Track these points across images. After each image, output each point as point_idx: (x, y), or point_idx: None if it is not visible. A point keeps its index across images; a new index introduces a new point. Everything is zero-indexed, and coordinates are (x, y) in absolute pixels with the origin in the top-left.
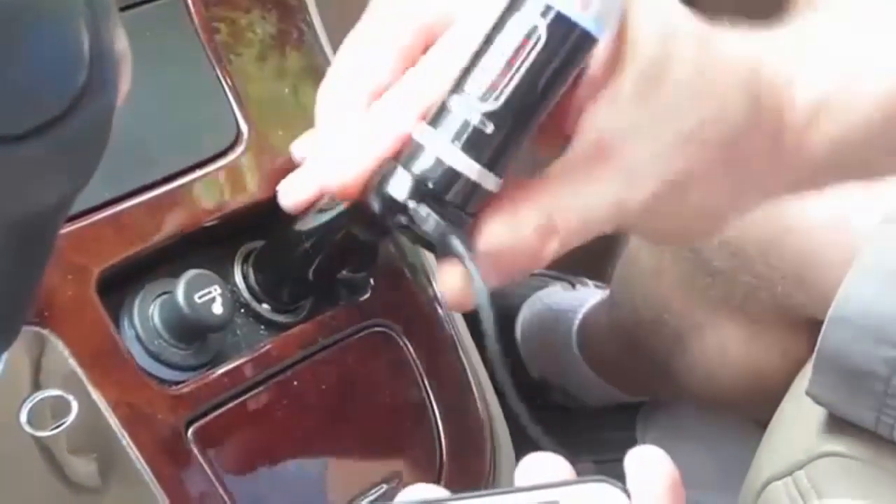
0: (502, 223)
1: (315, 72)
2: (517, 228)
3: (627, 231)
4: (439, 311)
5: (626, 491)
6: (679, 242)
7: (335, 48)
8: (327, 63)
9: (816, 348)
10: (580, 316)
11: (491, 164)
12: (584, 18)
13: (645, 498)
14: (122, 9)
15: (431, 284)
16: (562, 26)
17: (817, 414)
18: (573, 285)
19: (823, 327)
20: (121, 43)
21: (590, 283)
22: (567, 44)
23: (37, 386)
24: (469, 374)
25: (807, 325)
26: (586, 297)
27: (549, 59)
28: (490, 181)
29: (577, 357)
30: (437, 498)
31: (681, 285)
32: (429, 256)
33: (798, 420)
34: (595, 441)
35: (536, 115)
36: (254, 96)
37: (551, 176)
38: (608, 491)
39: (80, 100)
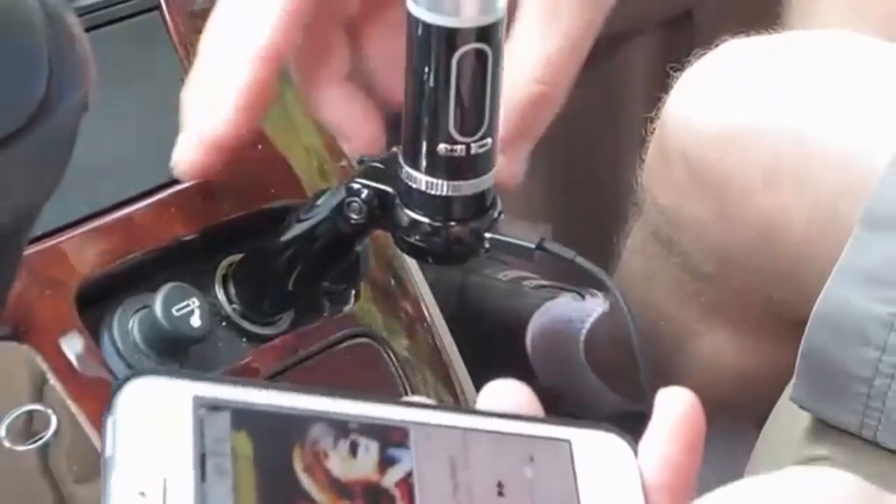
0: None
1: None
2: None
3: None
4: (423, 320)
5: (634, 448)
6: None
7: None
8: None
9: (800, 350)
10: (588, 325)
11: None
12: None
13: (654, 439)
14: (100, 25)
15: (415, 291)
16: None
17: (805, 418)
18: (582, 296)
19: (806, 330)
20: (83, 51)
21: (598, 294)
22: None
23: (15, 401)
24: (454, 384)
25: (798, 328)
26: (594, 306)
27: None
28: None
29: (584, 366)
30: (445, 407)
31: (672, 291)
32: (412, 265)
33: (788, 425)
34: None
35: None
36: None
37: None
38: (617, 442)
39: (41, 111)
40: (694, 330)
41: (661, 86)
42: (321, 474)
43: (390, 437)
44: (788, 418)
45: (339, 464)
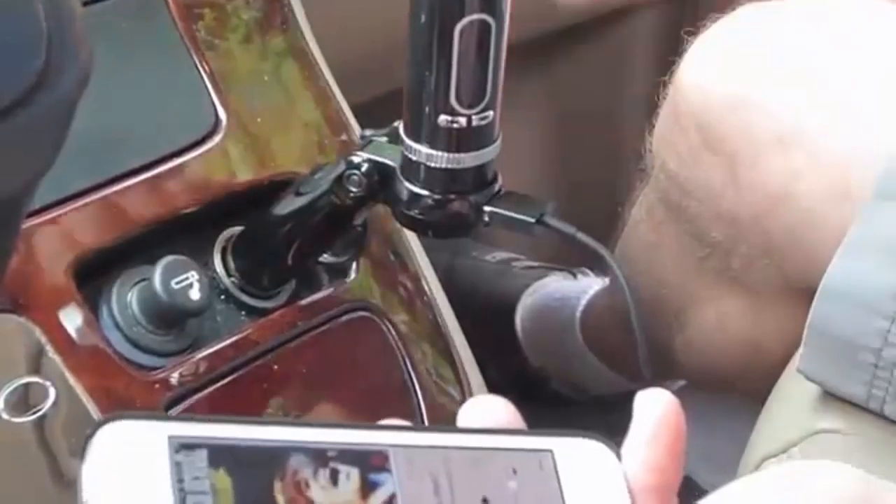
0: None
1: (297, 52)
2: None
3: None
4: (423, 294)
5: (617, 452)
6: None
7: (315, 31)
8: (308, 45)
9: (808, 320)
10: (583, 303)
11: None
12: None
13: (636, 443)
14: None
15: (415, 267)
16: None
17: (812, 390)
18: (574, 275)
19: (814, 300)
20: (81, 25)
21: (590, 273)
22: None
23: (13, 373)
24: (454, 357)
25: (806, 297)
26: (588, 285)
27: None
28: None
29: (580, 344)
30: (423, 428)
31: (678, 258)
32: (413, 241)
33: (794, 397)
34: (601, 429)
35: None
36: (235, 82)
37: None
38: (599, 448)
39: (40, 84)
40: (699, 299)
41: (673, 52)
42: None
43: (370, 462)
44: (794, 390)
45: (320, 493)
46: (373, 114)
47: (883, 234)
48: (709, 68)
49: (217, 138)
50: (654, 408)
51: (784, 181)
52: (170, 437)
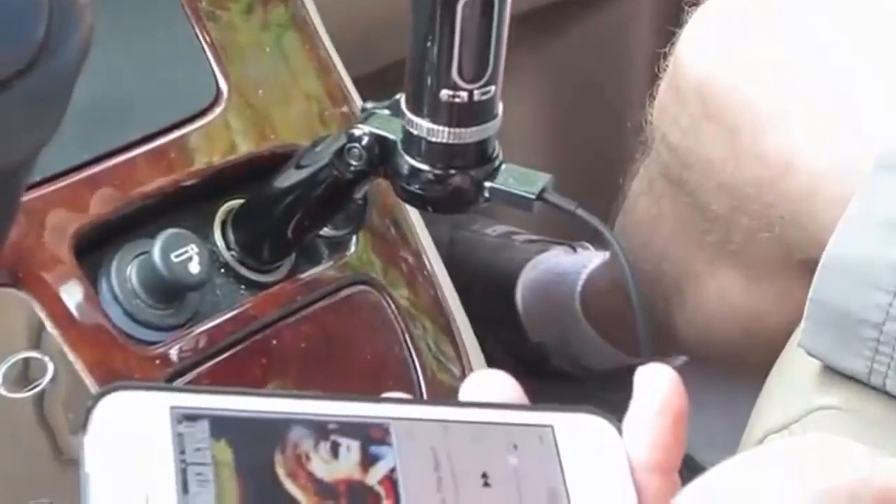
0: None
1: (298, 23)
2: None
3: None
4: (424, 269)
5: (618, 428)
6: None
7: (317, 1)
8: (309, 15)
9: (809, 295)
10: (583, 277)
11: None
12: None
13: (638, 418)
14: None
15: (416, 242)
16: None
17: (813, 366)
18: (574, 249)
19: (816, 274)
20: None
21: (590, 246)
22: None
23: (12, 347)
24: (454, 333)
25: (807, 271)
26: (588, 258)
27: None
28: None
29: (580, 318)
30: (424, 402)
31: (679, 231)
32: (413, 216)
33: (795, 372)
34: (600, 405)
35: None
36: (237, 54)
37: None
38: (601, 424)
39: (42, 52)
40: (700, 272)
41: (673, 23)
42: (304, 477)
43: (371, 435)
44: (795, 366)
45: (321, 465)
46: (374, 85)
47: (883, 207)
48: (709, 40)
49: (218, 110)
50: (656, 384)
51: (785, 154)
52: (171, 408)
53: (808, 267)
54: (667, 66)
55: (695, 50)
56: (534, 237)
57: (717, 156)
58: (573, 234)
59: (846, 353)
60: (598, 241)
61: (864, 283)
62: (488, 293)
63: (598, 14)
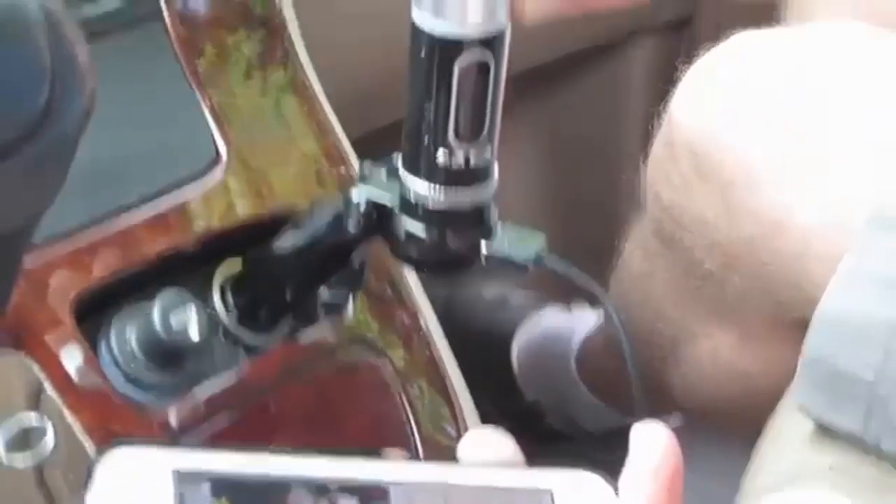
0: None
1: (297, 86)
2: None
3: None
4: (420, 329)
5: (615, 487)
6: None
7: (315, 64)
8: (308, 78)
9: (802, 353)
10: (579, 337)
11: None
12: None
13: (634, 478)
14: (102, 34)
15: (412, 302)
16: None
17: (807, 424)
18: (569, 308)
19: (808, 332)
20: (84, 59)
21: (586, 305)
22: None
23: (12, 410)
24: (449, 392)
25: (799, 330)
26: (584, 318)
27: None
28: None
29: (575, 378)
30: (423, 463)
31: (673, 290)
32: (409, 272)
33: (789, 431)
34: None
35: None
36: (236, 117)
37: None
38: (597, 483)
39: (45, 118)
40: (693, 331)
41: (666, 82)
42: None
43: (371, 497)
44: (789, 424)
45: None
46: (370, 144)
47: (875, 266)
48: (701, 100)
49: (217, 172)
50: (651, 443)
51: (777, 212)
52: (174, 468)
53: (801, 325)
54: (660, 124)
55: (688, 108)
56: (529, 296)
57: (710, 214)
58: (569, 291)
59: (840, 412)
60: (594, 300)
61: (856, 341)
62: (484, 352)
63: (592, 73)
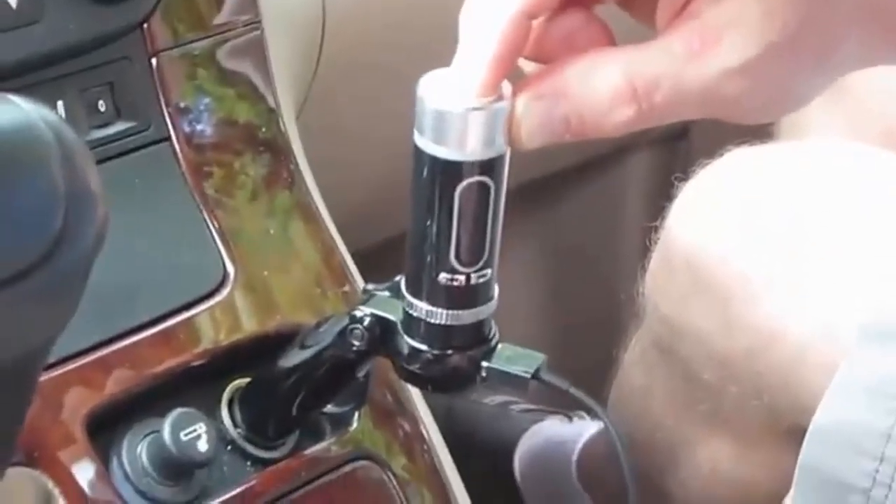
0: (574, 72)
1: (302, 207)
2: (587, 81)
3: (713, 112)
4: (422, 439)
5: None
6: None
7: (321, 187)
8: (313, 201)
9: (798, 462)
10: (579, 446)
11: None
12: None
13: None
14: (112, 157)
15: (413, 411)
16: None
17: None
18: (570, 418)
19: (805, 441)
20: (97, 186)
21: (586, 416)
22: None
23: None
24: (451, 502)
25: (796, 437)
26: (584, 427)
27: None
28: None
29: (577, 487)
30: None
31: (671, 401)
32: (414, 389)
33: None
34: None
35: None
36: (243, 237)
37: (646, 44)
38: None
39: (58, 244)
40: (692, 440)
41: (663, 197)
42: None
43: None
44: None
45: None
46: (373, 260)
47: (869, 375)
48: (698, 215)
49: (225, 291)
50: None
51: (773, 323)
52: None
53: (797, 431)
54: (658, 238)
55: (685, 223)
56: (531, 406)
57: (708, 326)
58: (570, 402)
59: None
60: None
61: (850, 449)
62: (486, 462)
63: (589, 186)
